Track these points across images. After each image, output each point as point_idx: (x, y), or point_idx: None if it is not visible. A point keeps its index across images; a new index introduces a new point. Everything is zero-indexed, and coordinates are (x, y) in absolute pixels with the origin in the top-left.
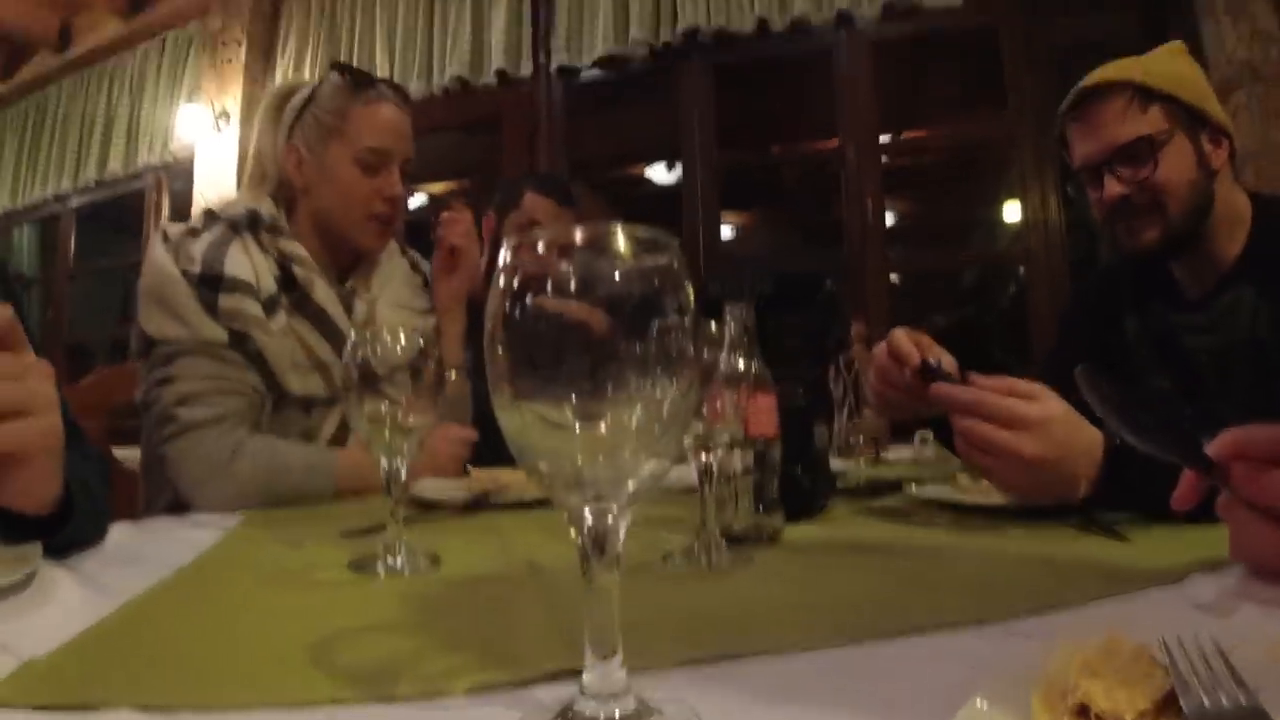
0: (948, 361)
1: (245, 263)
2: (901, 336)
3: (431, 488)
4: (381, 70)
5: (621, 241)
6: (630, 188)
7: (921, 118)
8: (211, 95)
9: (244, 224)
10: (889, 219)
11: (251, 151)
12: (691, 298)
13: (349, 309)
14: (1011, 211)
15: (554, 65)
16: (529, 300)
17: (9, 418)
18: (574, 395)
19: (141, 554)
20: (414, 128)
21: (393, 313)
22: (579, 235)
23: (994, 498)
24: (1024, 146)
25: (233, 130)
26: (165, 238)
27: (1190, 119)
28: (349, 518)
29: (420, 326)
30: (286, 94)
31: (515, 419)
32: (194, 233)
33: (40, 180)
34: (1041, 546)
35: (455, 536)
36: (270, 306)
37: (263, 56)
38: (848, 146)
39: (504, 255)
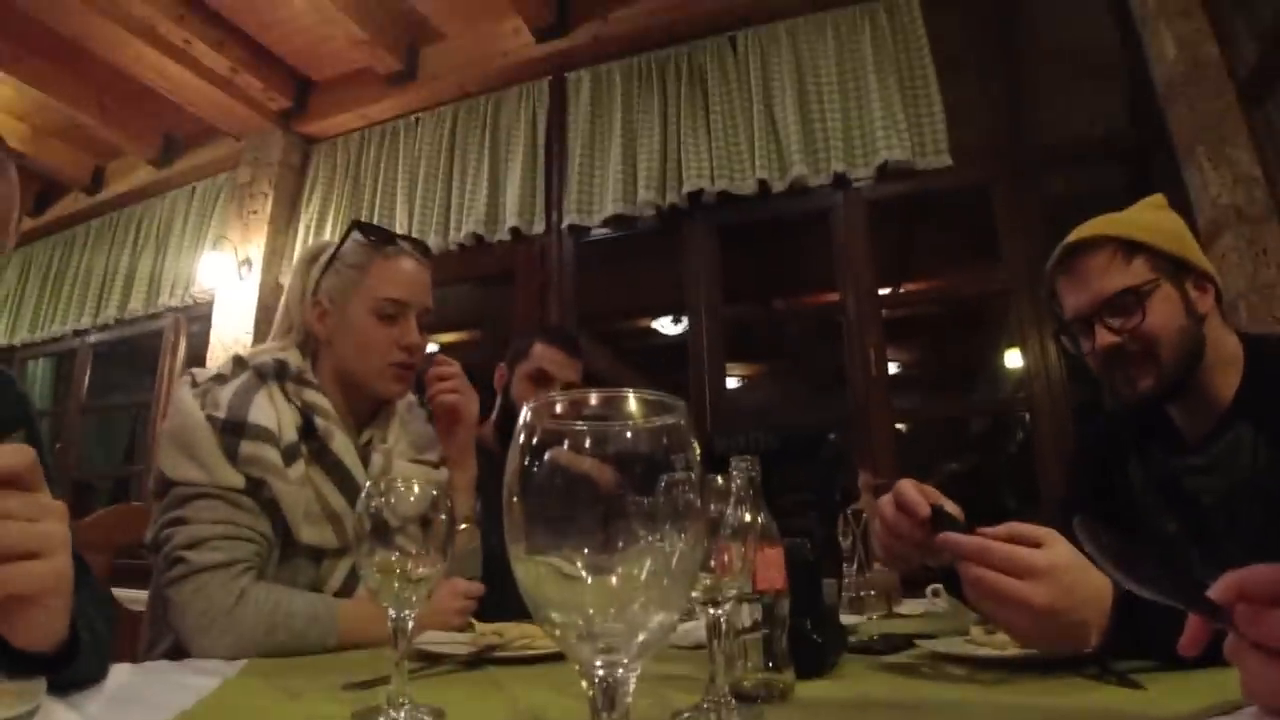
0: (953, 511)
1: (269, 411)
2: (909, 487)
3: (435, 640)
4: (401, 225)
5: (633, 403)
6: (638, 339)
7: (919, 271)
8: (236, 243)
9: (271, 373)
10: (892, 368)
11: (282, 303)
12: (698, 455)
13: (366, 461)
14: (1013, 358)
15: (565, 223)
16: (545, 458)
17: (23, 559)
18: (586, 548)
19: (143, 697)
20: (431, 280)
21: (408, 465)
22: (594, 397)
23: (1008, 650)
24: (1020, 297)
25: (254, 278)
26: (193, 382)
27: (1174, 267)
28: (350, 669)
29: (435, 479)
30: (317, 252)
31: (530, 571)
32: (221, 379)
33: (61, 315)
34: (1057, 698)
35: (459, 690)
36: (290, 455)
37: (288, 209)
38: (848, 299)
39: (523, 415)
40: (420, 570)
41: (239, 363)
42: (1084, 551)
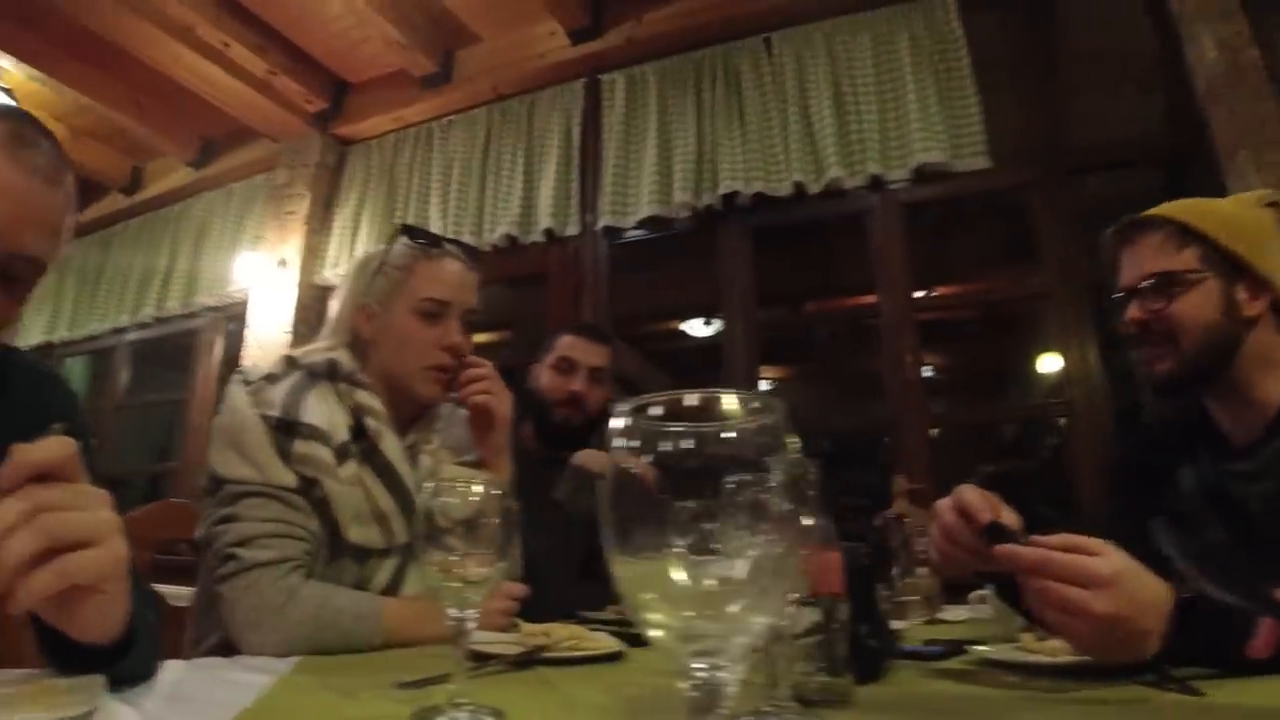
0: (1013, 520)
1: (322, 410)
2: (971, 493)
3: (484, 640)
4: (436, 226)
5: (730, 403)
6: (667, 341)
7: (954, 274)
8: (273, 244)
9: (323, 372)
10: (924, 372)
11: (335, 307)
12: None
13: (414, 462)
14: (1047, 363)
15: (599, 225)
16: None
17: (76, 549)
18: (682, 550)
19: (200, 695)
20: (478, 283)
21: (459, 468)
22: (691, 398)
23: (1061, 657)
24: (1060, 301)
25: (291, 278)
26: (245, 380)
27: (1226, 265)
28: (400, 668)
29: (487, 479)
30: (370, 258)
31: (627, 572)
32: (273, 378)
33: (99, 313)
34: (1116, 705)
35: (513, 690)
36: (341, 454)
37: (324, 209)
38: (883, 303)
39: (617, 416)
40: (479, 570)
41: (289, 362)
42: (1140, 555)
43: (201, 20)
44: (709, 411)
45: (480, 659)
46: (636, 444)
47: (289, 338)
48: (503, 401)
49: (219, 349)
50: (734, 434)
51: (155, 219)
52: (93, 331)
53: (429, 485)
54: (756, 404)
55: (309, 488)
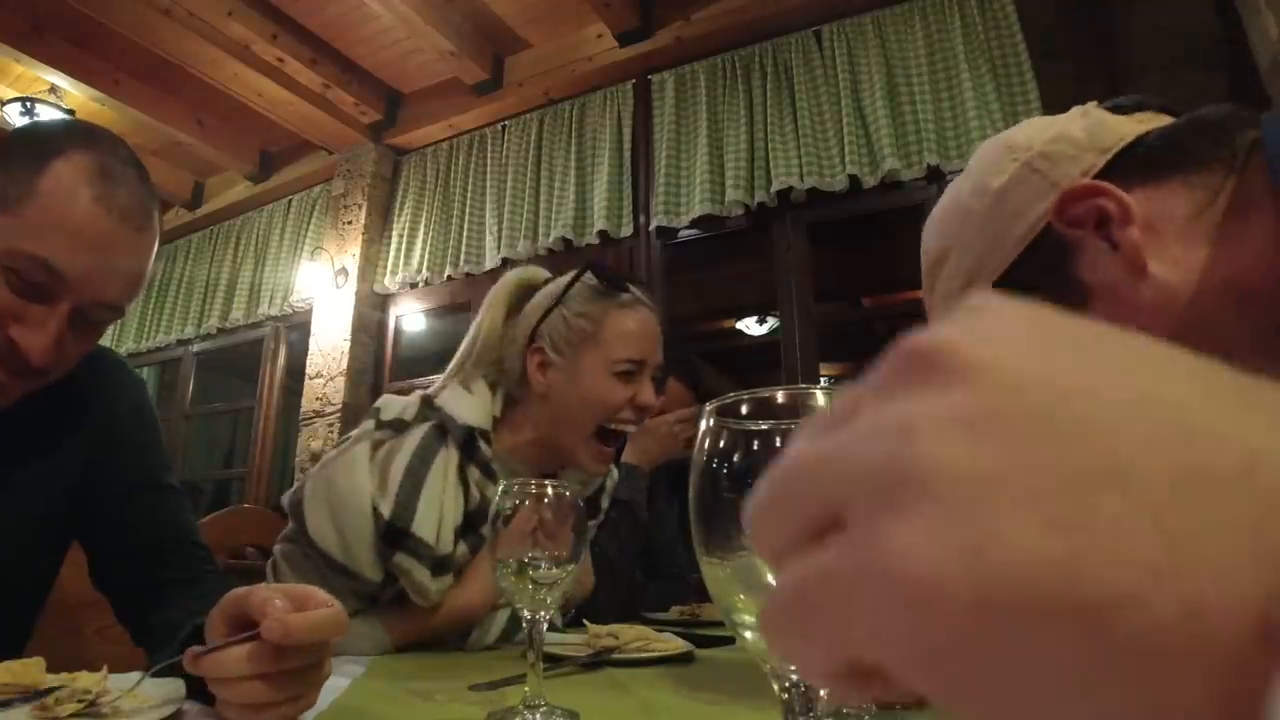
0: None
1: (435, 503)
2: None
3: (553, 641)
4: (491, 231)
5: (821, 401)
6: (722, 340)
7: None
8: (332, 254)
9: (458, 439)
10: None
11: (471, 334)
12: None
13: None
14: None
15: (653, 225)
16: (725, 462)
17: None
18: None
19: None
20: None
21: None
22: (780, 396)
23: None
24: None
25: (350, 287)
26: (378, 423)
27: None
28: (473, 670)
29: (557, 484)
30: (524, 285)
31: (713, 573)
32: (402, 425)
33: (165, 326)
34: None
35: (585, 692)
36: (439, 568)
37: (381, 218)
38: None
39: (706, 416)
40: (552, 572)
41: (426, 405)
42: None
43: (257, 38)
44: (796, 408)
45: (550, 660)
46: (722, 443)
47: (348, 344)
48: None
49: (283, 357)
50: None
51: (217, 232)
52: (159, 343)
53: (503, 489)
54: None
55: (392, 582)
